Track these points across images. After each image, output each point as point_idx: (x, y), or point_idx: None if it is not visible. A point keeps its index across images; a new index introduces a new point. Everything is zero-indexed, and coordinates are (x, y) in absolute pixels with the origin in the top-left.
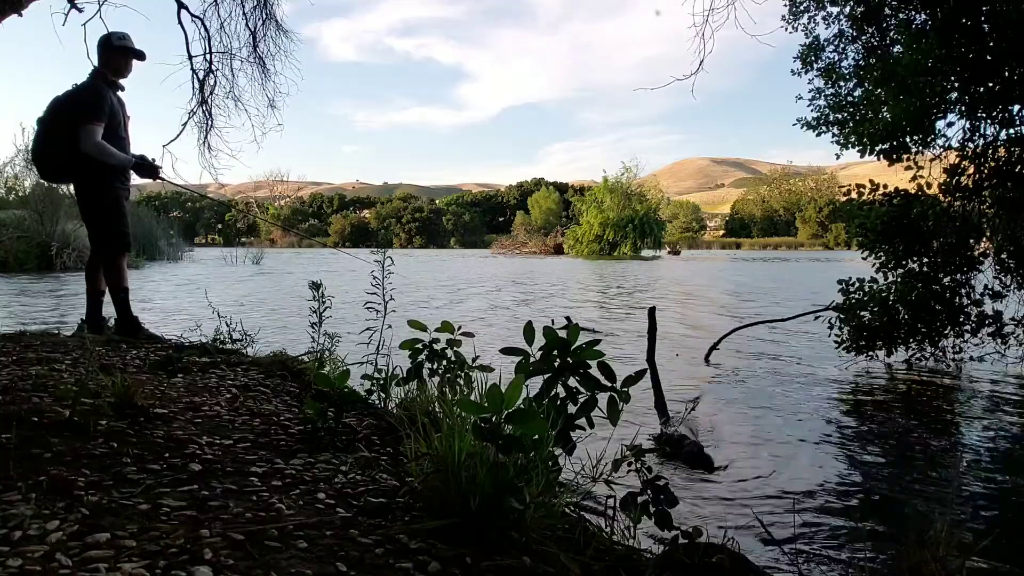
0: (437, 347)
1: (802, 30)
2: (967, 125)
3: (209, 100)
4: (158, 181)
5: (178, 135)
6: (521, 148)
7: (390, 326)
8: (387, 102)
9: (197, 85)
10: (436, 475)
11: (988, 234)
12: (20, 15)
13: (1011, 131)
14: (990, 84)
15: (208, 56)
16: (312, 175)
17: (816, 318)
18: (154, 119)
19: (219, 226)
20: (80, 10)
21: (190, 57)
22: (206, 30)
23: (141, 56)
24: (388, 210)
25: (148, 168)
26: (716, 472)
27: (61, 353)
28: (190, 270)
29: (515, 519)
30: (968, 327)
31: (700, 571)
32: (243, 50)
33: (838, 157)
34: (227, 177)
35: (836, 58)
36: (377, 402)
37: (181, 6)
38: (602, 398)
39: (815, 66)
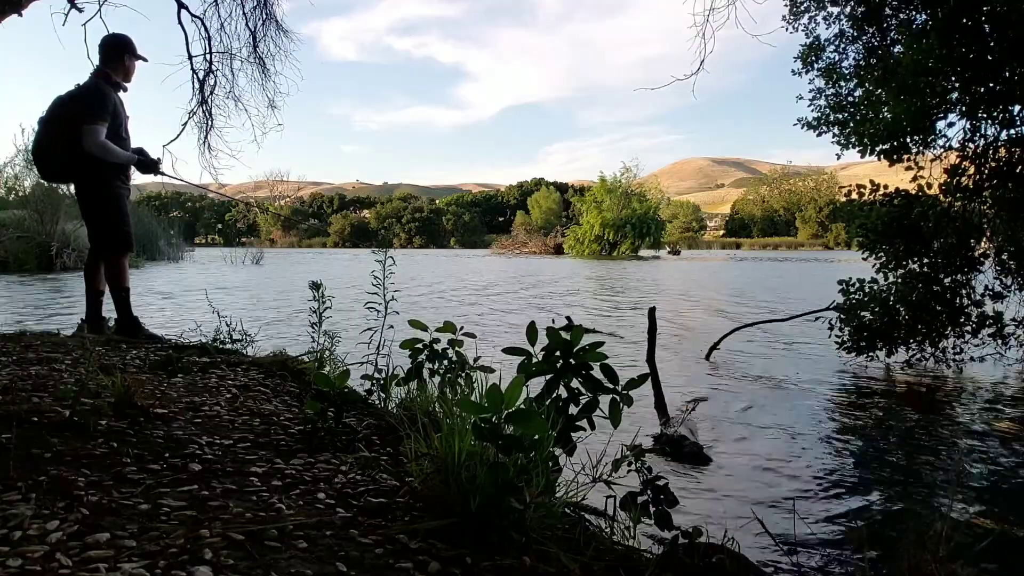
0: (438, 347)
1: (802, 30)
2: (967, 125)
3: (209, 100)
4: (159, 178)
5: (178, 135)
6: (521, 148)
7: (392, 326)
8: (387, 101)
9: (197, 85)
10: (436, 475)
11: (989, 234)
12: (20, 15)
13: (1011, 131)
14: (990, 84)
15: (208, 56)
16: (312, 175)
17: (816, 318)
18: (154, 119)
19: (219, 226)
20: (80, 10)
21: (190, 57)
22: (206, 30)
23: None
24: (388, 210)
25: (149, 164)
26: (716, 472)
27: (61, 353)
28: (191, 271)
29: (515, 519)
30: (968, 328)
31: (700, 571)
32: (243, 50)
33: (838, 157)
34: (227, 177)
35: (836, 58)
36: (377, 402)
37: (181, 6)
38: (603, 399)
39: (815, 66)
